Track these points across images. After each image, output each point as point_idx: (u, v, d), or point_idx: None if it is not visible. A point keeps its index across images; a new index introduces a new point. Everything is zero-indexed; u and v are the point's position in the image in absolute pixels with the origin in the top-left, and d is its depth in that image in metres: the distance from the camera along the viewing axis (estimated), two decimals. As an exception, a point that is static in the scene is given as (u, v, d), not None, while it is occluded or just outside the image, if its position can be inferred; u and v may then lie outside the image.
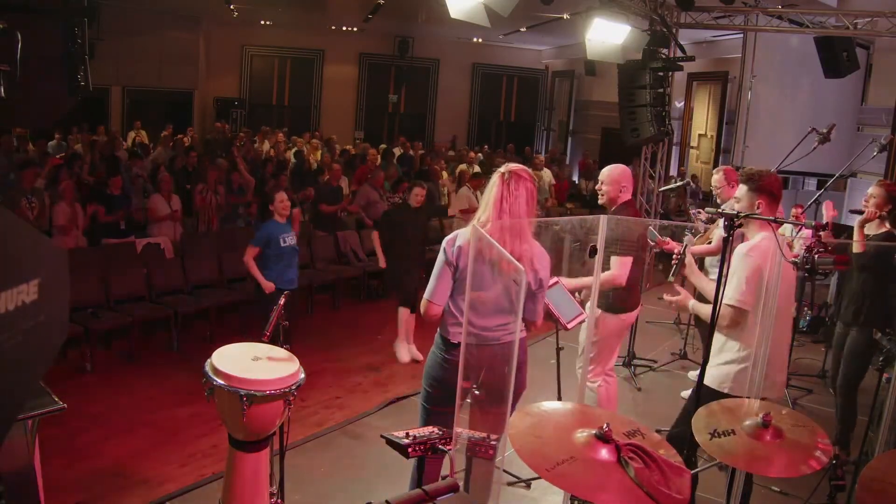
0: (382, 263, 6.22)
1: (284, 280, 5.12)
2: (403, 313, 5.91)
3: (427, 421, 3.05)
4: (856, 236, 4.32)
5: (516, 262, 2.77)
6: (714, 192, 5.27)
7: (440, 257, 2.99)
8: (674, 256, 3.33)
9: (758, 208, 3.07)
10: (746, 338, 3.06)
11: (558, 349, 4.15)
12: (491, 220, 2.93)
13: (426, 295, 3.01)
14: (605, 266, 3.74)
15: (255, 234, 5.30)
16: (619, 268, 3.83)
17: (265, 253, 5.11)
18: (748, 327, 3.05)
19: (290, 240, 5.15)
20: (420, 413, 3.18)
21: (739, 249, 3.09)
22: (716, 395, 3.07)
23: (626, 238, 3.74)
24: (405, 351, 5.95)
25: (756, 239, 3.09)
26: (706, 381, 3.19)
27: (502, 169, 3.02)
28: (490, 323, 2.97)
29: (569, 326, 3.62)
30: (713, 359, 3.17)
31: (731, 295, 3.02)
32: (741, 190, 3.18)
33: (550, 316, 3.35)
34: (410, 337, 6.01)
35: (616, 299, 3.98)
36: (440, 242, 3.10)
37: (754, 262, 2.99)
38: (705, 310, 3.18)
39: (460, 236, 2.98)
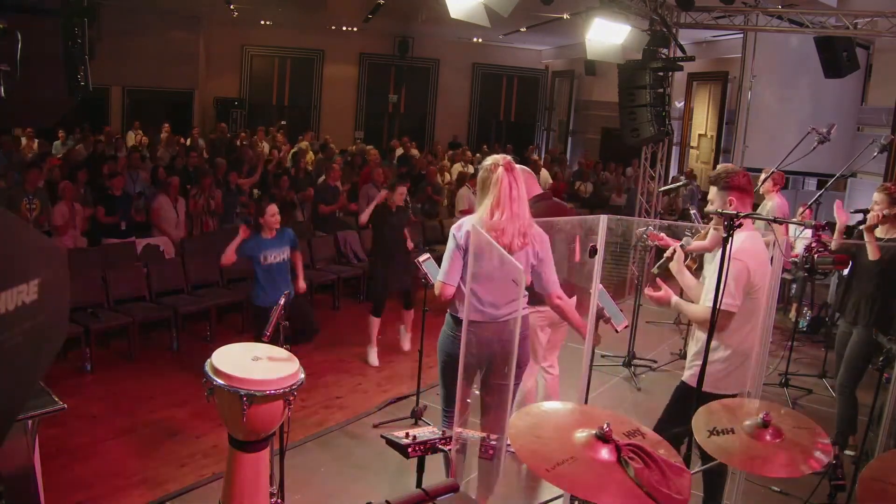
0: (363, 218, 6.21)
1: (277, 297, 4.89)
2: (375, 322, 5.96)
3: (447, 395, 3.37)
4: (868, 239, 4.30)
5: (513, 260, 3.06)
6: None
7: (450, 242, 3.25)
8: (666, 253, 3.36)
9: (730, 205, 3.08)
10: (727, 338, 3.09)
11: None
12: (504, 210, 3.17)
13: (440, 277, 3.27)
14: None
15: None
16: None
17: (254, 269, 4.83)
18: (730, 328, 3.08)
19: (274, 256, 4.83)
20: (441, 390, 3.45)
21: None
22: (701, 394, 3.05)
23: None
24: (375, 355, 6.01)
25: (738, 241, 3.06)
26: (687, 380, 3.24)
27: (500, 161, 3.25)
28: (500, 301, 3.24)
29: (618, 328, 3.62)
30: (696, 359, 3.20)
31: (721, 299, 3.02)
32: (712, 192, 3.20)
33: (604, 318, 3.40)
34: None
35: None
36: (442, 243, 3.22)
37: (741, 265, 3.00)
38: (688, 308, 3.22)
39: (466, 222, 3.24)
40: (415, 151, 13.00)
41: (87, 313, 5.59)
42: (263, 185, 9.45)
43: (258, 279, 4.86)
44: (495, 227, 3.13)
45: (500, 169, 3.21)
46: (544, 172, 11.36)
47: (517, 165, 4.03)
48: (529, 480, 3.98)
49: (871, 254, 4.26)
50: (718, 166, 3.34)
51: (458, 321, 3.28)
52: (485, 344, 3.25)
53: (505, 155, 3.35)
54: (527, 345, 3.38)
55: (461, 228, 3.22)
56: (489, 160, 3.31)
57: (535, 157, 12.40)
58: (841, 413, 4.47)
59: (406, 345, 6.28)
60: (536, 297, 3.96)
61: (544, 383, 4.27)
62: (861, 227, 4.50)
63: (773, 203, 6.08)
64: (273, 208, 4.93)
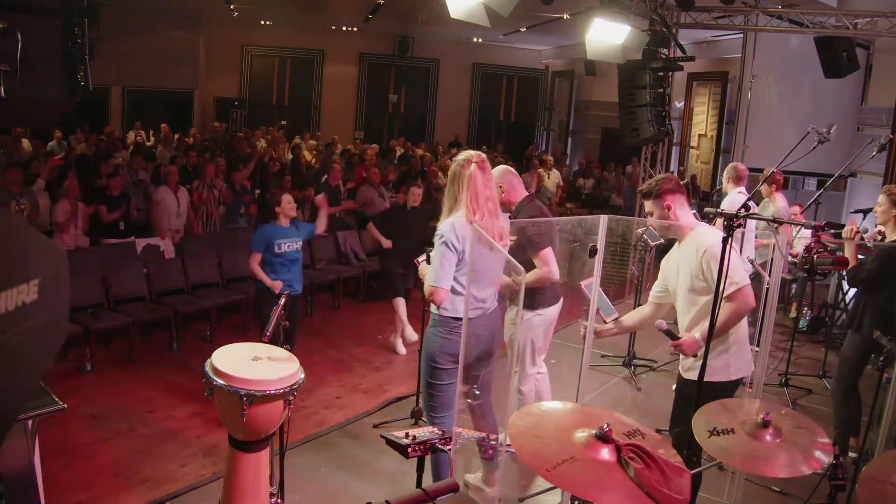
0: (386, 244, 6.34)
1: (285, 282, 4.90)
2: (400, 303, 5.93)
3: (443, 398, 3.30)
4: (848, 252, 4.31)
5: (500, 247, 3.19)
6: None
7: (444, 248, 3.16)
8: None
9: (668, 210, 3.14)
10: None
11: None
12: (482, 213, 3.19)
13: (436, 282, 3.16)
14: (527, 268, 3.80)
15: (253, 237, 4.99)
16: (546, 262, 3.77)
17: (265, 258, 4.87)
18: None
19: (288, 245, 4.91)
20: (430, 396, 3.36)
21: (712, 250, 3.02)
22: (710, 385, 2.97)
23: (536, 233, 3.72)
24: (401, 344, 5.98)
25: (711, 234, 3.11)
26: (690, 377, 3.17)
27: (474, 158, 3.25)
28: (486, 293, 3.33)
29: (607, 320, 3.63)
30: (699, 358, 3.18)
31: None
32: (648, 206, 3.23)
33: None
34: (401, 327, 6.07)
35: (530, 295, 3.87)
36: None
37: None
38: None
39: (458, 226, 3.17)
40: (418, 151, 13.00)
41: (87, 313, 5.59)
42: (262, 183, 9.44)
43: (270, 264, 4.90)
44: (481, 227, 3.16)
45: (473, 166, 3.20)
46: (555, 174, 11.26)
47: (503, 166, 4.05)
48: (526, 478, 3.98)
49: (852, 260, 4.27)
50: (648, 180, 3.38)
51: (450, 320, 3.26)
52: (481, 337, 3.31)
53: (479, 152, 3.34)
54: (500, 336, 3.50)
55: (456, 233, 3.16)
56: (463, 155, 3.31)
57: (548, 157, 12.21)
58: (834, 417, 4.43)
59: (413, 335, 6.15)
60: (535, 299, 3.97)
61: (537, 385, 4.26)
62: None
63: (776, 204, 6.09)
64: (289, 196, 5.04)
